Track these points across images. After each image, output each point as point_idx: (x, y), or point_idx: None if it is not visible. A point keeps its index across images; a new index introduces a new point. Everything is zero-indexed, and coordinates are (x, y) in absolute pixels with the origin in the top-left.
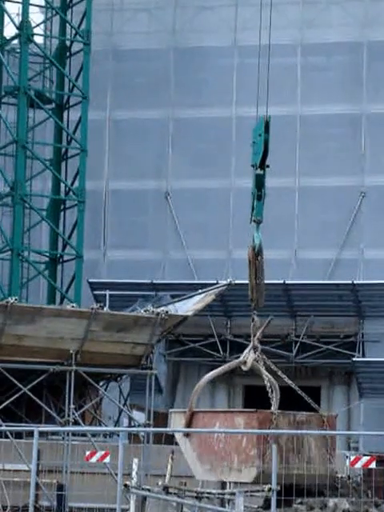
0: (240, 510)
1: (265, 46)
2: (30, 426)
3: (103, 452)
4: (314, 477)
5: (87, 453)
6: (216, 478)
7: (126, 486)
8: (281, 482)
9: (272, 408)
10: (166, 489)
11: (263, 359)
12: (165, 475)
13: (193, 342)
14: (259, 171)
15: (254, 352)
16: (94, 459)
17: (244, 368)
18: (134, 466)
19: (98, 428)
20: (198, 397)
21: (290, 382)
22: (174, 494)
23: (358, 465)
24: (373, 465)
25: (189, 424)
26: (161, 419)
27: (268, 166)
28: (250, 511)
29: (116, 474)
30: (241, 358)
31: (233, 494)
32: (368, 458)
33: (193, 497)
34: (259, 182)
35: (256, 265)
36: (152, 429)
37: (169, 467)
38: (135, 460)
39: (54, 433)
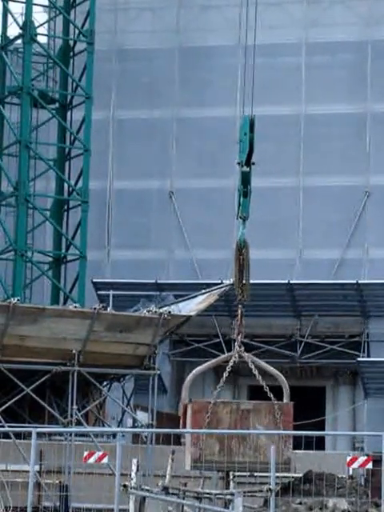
0: (239, 510)
1: (266, 46)
2: (27, 427)
3: (101, 452)
4: (262, 464)
5: (86, 453)
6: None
7: (125, 486)
8: (223, 469)
9: (284, 398)
10: (165, 489)
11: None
12: (165, 475)
13: (197, 342)
14: (245, 169)
15: (239, 347)
16: (91, 460)
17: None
18: (133, 467)
19: (97, 429)
20: (187, 391)
21: (259, 378)
22: (174, 494)
23: (355, 465)
24: (369, 465)
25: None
26: (166, 420)
27: (253, 164)
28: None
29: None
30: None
31: (232, 494)
32: (365, 458)
33: (193, 497)
34: (245, 179)
35: (240, 260)
36: (154, 429)
37: (169, 468)
38: (134, 461)
39: (57, 433)
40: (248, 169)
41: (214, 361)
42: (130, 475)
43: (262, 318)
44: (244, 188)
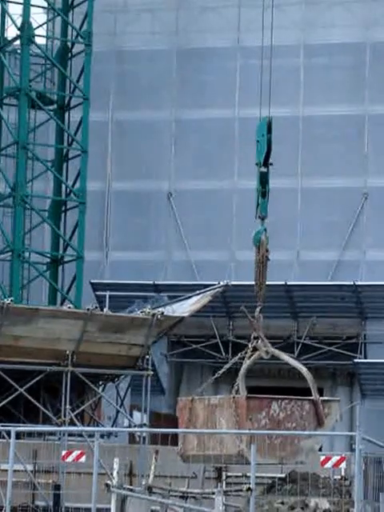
0: (219, 509)
1: (268, 47)
2: (6, 427)
3: (79, 452)
4: (225, 457)
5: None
6: None
7: (107, 485)
8: (201, 462)
9: (313, 393)
10: (149, 489)
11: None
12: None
13: (195, 344)
14: (263, 169)
15: (256, 341)
16: (69, 459)
17: (266, 356)
18: (115, 466)
19: (74, 428)
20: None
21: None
22: (158, 493)
23: (328, 465)
24: (343, 465)
25: None
26: (163, 420)
27: (271, 164)
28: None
29: (111, 474)
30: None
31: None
32: (338, 457)
33: (178, 496)
34: (263, 180)
35: (262, 258)
36: (147, 429)
37: (152, 467)
38: (116, 460)
39: (50, 433)
40: (266, 169)
41: (250, 360)
42: (112, 474)
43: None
44: (262, 188)
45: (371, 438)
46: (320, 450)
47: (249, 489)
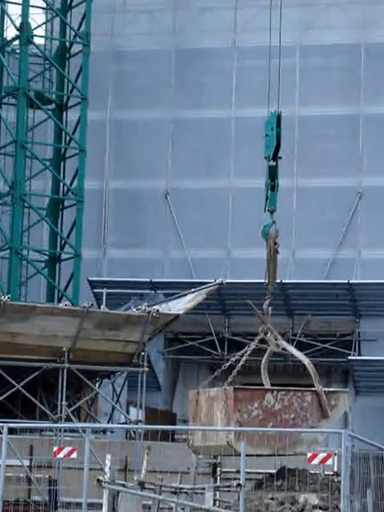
0: (209, 504)
1: (262, 48)
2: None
3: (70, 448)
4: (217, 448)
5: (54, 448)
6: None
7: (98, 480)
8: (206, 454)
9: (315, 384)
10: (141, 484)
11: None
12: (144, 471)
13: (191, 340)
14: (272, 163)
15: (265, 334)
16: (61, 455)
17: (276, 349)
18: (107, 462)
19: (67, 424)
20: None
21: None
22: (150, 489)
23: (315, 461)
24: (330, 461)
25: None
26: (159, 416)
27: (280, 158)
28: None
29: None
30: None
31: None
32: (325, 454)
33: (170, 492)
34: (272, 173)
35: (271, 251)
36: (143, 425)
37: (144, 463)
38: (108, 456)
39: (47, 429)
40: (275, 163)
41: (266, 353)
42: (104, 470)
43: (254, 317)
44: (271, 182)
45: (358, 435)
46: None
47: (238, 484)
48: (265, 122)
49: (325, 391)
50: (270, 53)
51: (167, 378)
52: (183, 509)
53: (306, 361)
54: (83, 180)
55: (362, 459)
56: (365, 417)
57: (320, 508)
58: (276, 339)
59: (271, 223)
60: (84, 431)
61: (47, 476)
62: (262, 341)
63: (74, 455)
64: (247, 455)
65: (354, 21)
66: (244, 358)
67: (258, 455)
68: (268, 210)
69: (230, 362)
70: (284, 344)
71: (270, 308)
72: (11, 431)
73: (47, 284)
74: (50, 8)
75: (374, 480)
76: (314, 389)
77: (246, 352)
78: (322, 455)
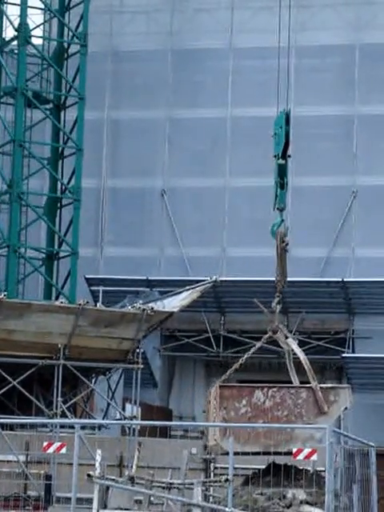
0: (198, 500)
1: (257, 49)
2: None
3: (60, 443)
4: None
5: (45, 444)
6: None
7: (89, 475)
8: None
9: (310, 381)
10: (131, 479)
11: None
12: (135, 466)
13: (188, 338)
14: (281, 161)
15: (273, 333)
16: (50, 450)
17: (287, 348)
18: (97, 457)
19: (60, 420)
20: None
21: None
22: (141, 484)
23: (300, 456)
24: (314, 457)
25: None
26: (156, 413)
27: (289, 156)
28: (215, 500)
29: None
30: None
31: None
32: (310, 450)
33: (161, 487)
34: (282, 172)
35: (283, 248)
36: (138, 422)
37: (135, 458)
38: (98, 451)
39: (43, 425)
40: (284, 161)
41: (286, 354)
42: (95, 465)
43: (250, 315)
44: (281, 180)
45: (342, 431)
46: None
47: (226, 480)
48: (274, 121)
49: (325, 387)
50: (278, 53)
51: (163, 374)
52: (175, 504)
53: (302, 356)
54: (80, 179)
55: (349, 455)
56: (358, 413)
57: (308, 503)
58: (286, 337)
59: (280, 222)
60: (82, 427)
61: (42, 471)
62: (259, 338)
63: (64, 450)
64: (235, 454)
65: (348, 22)
66: (245, 356)
67: (244, 453)
68: (277, 209)
69: (240, 361)
70: (290, 339)
71: (279, 306)
72: (8, 427)
73: (45, 282)
74: (48, 9)
75: (359, 475)
76: (310, 385)
77: (254, 348)
78: (306, 451)
